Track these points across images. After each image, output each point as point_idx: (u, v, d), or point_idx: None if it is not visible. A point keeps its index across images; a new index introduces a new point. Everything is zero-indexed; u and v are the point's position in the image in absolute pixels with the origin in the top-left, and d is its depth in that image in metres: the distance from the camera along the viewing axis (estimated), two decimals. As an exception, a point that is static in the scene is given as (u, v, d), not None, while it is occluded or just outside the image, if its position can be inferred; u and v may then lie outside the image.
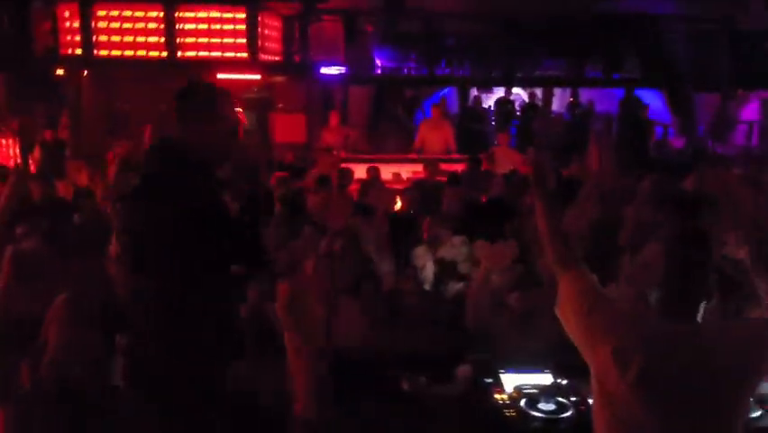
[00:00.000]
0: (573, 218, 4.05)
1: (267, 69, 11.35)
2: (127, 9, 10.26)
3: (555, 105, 13.82)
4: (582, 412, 2.60)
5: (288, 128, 12.27)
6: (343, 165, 8.35)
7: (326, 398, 3.00)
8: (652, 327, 2.12)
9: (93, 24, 10.28)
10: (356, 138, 12.21)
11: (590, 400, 2.22)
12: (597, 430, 2.20)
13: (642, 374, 2.04)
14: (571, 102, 13.33)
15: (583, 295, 2.17)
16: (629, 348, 2.07)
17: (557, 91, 13.85)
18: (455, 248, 4.52)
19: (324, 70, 11.53)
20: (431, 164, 8.08)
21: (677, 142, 11.93)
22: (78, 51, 10.23)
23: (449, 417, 2.76)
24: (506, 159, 8.89)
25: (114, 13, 10.30)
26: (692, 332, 2.09)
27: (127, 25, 10.48)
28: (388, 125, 13.10)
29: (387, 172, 8.31)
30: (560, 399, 2.70)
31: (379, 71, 12.04)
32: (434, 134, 9.91)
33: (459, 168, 8.54)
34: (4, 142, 9.38)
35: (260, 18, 10.92)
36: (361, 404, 2.86)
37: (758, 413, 2.77)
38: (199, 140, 2.36)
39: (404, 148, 10.74)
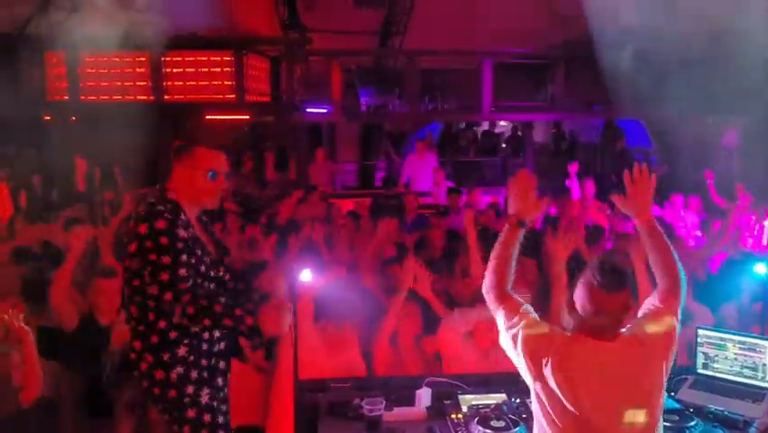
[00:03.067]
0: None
1: (254, 109, 11.58)
2: (114, 55, 10.48)
3: (537, 137, 14.06)
4: (531, 427, 2.71)
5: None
6: (331, 201, 8.54)
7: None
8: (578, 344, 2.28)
9: (80, 70, 10.51)
10: (343, 174, 12.43)
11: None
12: None
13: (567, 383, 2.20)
14: (555, 133, 13.59)
15: (517, 317, 2.34)
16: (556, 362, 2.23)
17: (540, 123, 14.12)
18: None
19: (310, 110, 11.77)
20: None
21: (659, 170, 12.12)
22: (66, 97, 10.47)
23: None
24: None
25: (102, 58, 10.53)
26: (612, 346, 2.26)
27: (114, 71, 10.72)
28: (376, 161, 13.35)
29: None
30: (510, 416, 2.81)
31: (364, 109, 12.28)
32: (421, 168, 10.11)
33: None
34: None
35: (246, 60, 11.18)
36: (328, 430, 2.95)
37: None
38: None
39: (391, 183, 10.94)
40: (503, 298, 2.41)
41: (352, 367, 3.72)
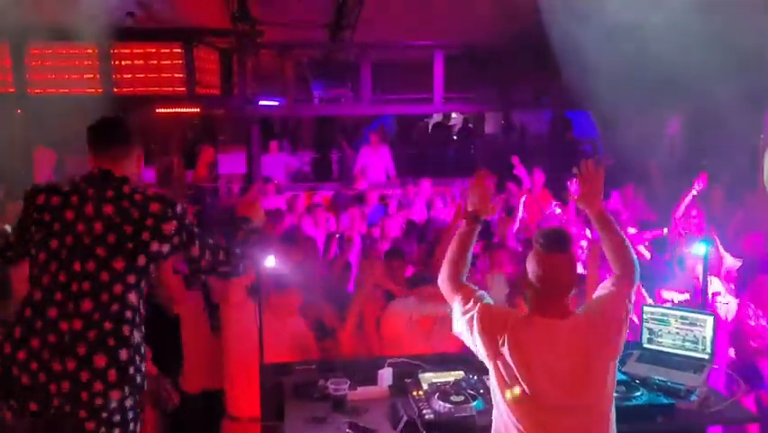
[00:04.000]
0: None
1: (205, 102, 11.49)
2: (61, 47, 10.24)
3: (488, 128, 14.30)
4: (488, 401, 2.85)
5: (229, 159, 12.40)
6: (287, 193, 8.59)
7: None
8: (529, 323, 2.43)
9: (26, 63, 10.25)
10: (296, 167, 12.43)
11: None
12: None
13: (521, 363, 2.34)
14: (504, 124, 13.84)
15: (472, 301, 2.50)
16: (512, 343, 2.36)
17: (489, 115, 14.36)
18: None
19: (262, 103, 11.73)
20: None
21: (606, 160, 12.50)
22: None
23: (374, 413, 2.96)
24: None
25: (48, 51, 10.28)
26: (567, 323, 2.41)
27: (61, 63, 10.47)
28: (328, 153, 13.39)
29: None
30: (469, 391, 2.94)
31: (317, 101, 12.30)
32: (374, 160, 10.23)
33: (398, 192, 8.90)
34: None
35: (196, 52, 11.06)
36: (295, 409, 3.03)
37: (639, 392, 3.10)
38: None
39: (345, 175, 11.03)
40: (459, 287, 2.56)
41: (300, 338, 3.81)
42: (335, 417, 2.94)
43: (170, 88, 11.01)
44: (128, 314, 2.48)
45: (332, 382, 3.06)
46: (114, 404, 2.40)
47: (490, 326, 2.41)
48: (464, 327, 2.48)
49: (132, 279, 2.48)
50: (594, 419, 2.41)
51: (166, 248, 2.51)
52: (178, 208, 2.53)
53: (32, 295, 2.45)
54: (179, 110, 11.68)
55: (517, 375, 2.34)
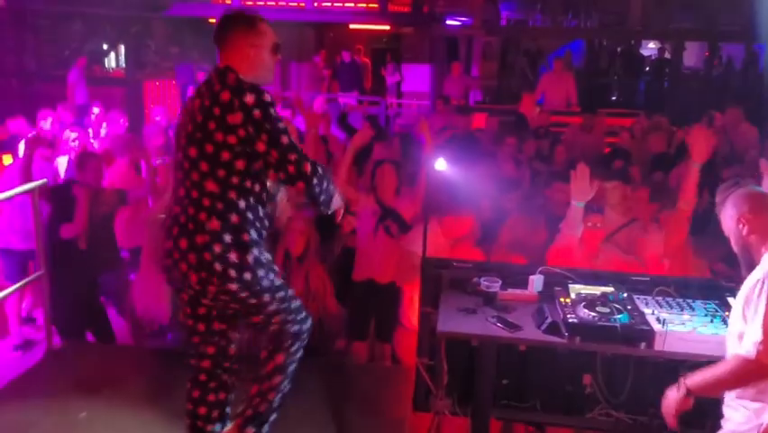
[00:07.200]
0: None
1: (396, 19, 11.80)
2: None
3: (690, 60, 13.25)
4: (633, 317, 2.97)
5: (413, 78, 12.72)
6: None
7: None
8: None
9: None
10: (476, 89, 12.48)
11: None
12: None
13: None
14: (708, 57, 12.74)
15: None
16: None
17: (692, 45, 13.27)
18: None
19: (449, 22, 11.82)
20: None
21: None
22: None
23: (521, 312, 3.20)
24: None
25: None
26: None
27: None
28: (510, 77, 13.23)
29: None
30: (616, 305, 3.06)
31: (504, 23, 12.14)
32: (556, 87, 10.00)
33: (577, 120, 8.71)
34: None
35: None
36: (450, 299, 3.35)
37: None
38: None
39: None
40: None
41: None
42: (485, 310, 3.20)
43: (364, 4, 11.43)
44: (205, 202, 2.48)
45: (485, 280, 3.32)
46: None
47: None
48: None
49: (204, 167, 2.47)
50: None
51: (232, 139, 2.42)
52: (248, 99, 2.37)
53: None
54: (371, 27, 12.10)
55: None
